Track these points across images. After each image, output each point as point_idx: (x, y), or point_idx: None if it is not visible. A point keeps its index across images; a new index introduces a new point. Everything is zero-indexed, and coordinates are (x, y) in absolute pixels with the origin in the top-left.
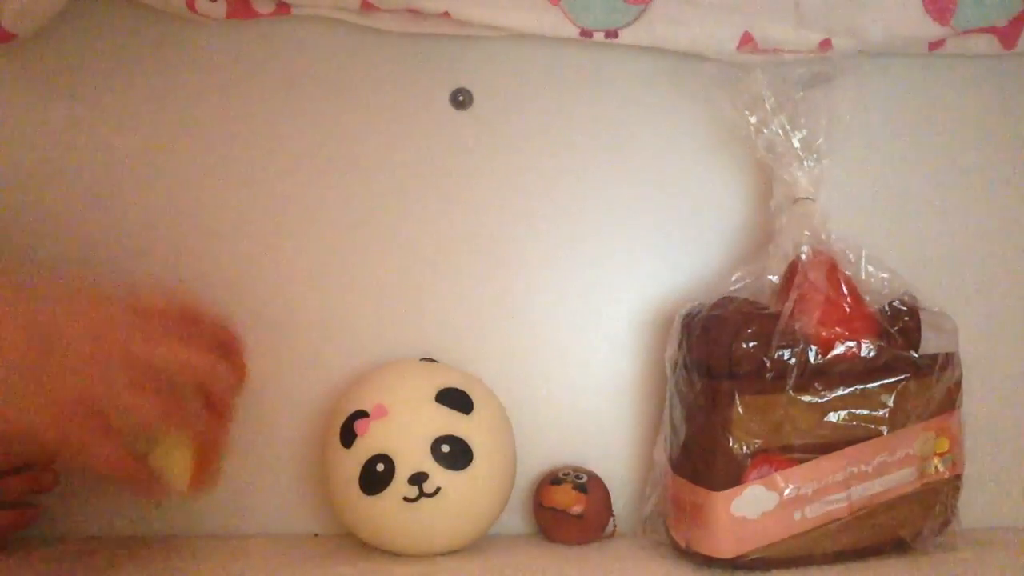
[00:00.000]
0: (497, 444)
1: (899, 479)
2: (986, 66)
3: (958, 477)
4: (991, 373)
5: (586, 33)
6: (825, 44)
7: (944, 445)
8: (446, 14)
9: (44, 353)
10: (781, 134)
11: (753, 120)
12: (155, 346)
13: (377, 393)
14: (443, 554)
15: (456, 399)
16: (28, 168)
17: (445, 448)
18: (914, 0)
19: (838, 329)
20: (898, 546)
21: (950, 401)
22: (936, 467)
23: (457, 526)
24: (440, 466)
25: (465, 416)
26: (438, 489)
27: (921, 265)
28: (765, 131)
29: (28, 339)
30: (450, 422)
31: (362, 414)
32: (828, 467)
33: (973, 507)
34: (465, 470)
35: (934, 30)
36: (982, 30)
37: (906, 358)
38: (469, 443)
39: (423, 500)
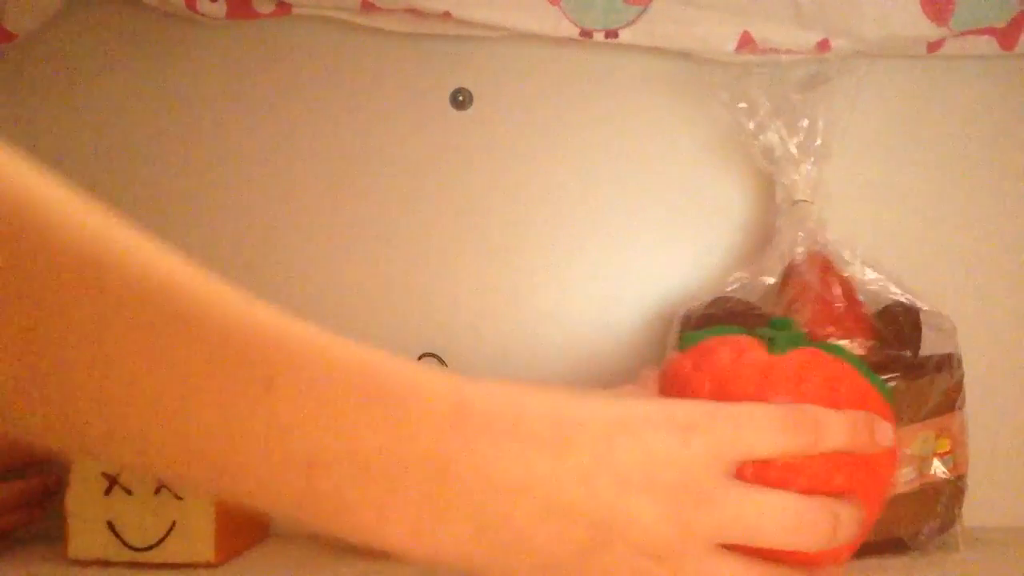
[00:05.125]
0: None
1: (896, 478)
2: (985, 67)
3: (961, 478)
4: (990, 373)
5: (586, 33)
6: (823, 45)
7: (945, 445)
8: (446, 14)
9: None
10: (779, 137)
11: (751, 124)
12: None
13: None
14: None
15: None
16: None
17: None
18: (912, 1)
19: (830, 329)
20: (895, 545)
21: (950, 402)
22: (936, 468)
23: None
24: None
25: None
26: None
27: (920, 266)
28: (762, 135)
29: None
30: None
31: None
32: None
33: (973, 507)
34: None
35: (932, 31)
36: (980, 31)
37: (898, 358)
38: None
39: None
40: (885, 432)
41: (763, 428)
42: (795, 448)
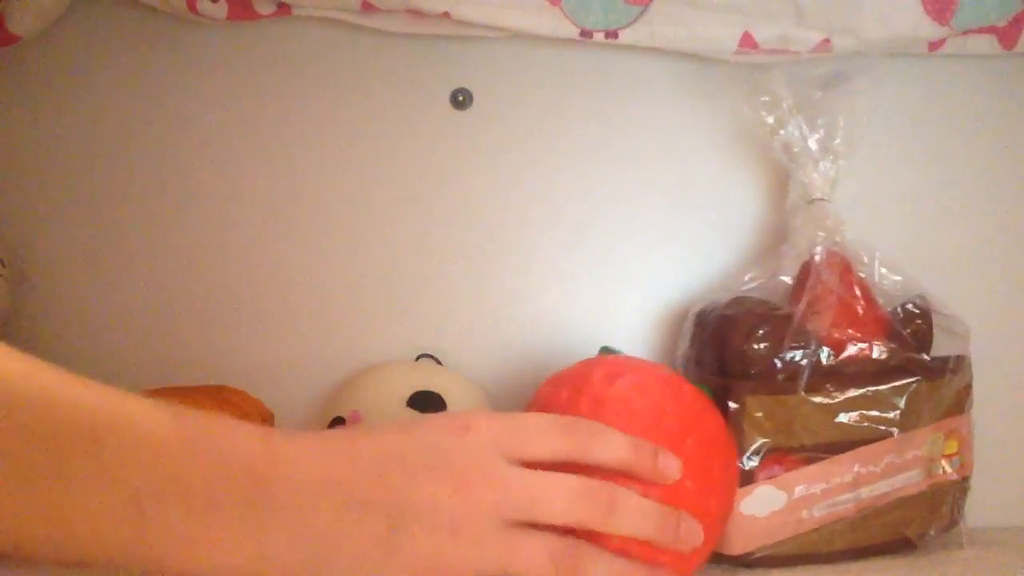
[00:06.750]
0: None
1: (906, 480)
2: (986, 66)
3: (966, 479)
4: (997, 373)
5: (586, 33)
6: (824, 44)
7: (953, 447)
8: (446, 14)
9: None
10: (798, 135)
11: (770, 120)
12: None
13: (353, 399)
14: None
15: (429, 402)
16: (28, 168)
17: None
18: (913, 0)
19: (850, 331)
20: (903, 546)
21: (959, 404)
22: (944, 469)
23: None
24: None
25: None
26: None
27: (933, 267)
28: (782, 132)
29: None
30: None
31: (340, 420)
32: (838, 468)
33: (977, 507)
34: None
35: (933, 30)
36: (981, 30)
37: (918, 360)
38: None
39: None
40: (670, 465)
41: (534, 430)
42: (566, 450)
